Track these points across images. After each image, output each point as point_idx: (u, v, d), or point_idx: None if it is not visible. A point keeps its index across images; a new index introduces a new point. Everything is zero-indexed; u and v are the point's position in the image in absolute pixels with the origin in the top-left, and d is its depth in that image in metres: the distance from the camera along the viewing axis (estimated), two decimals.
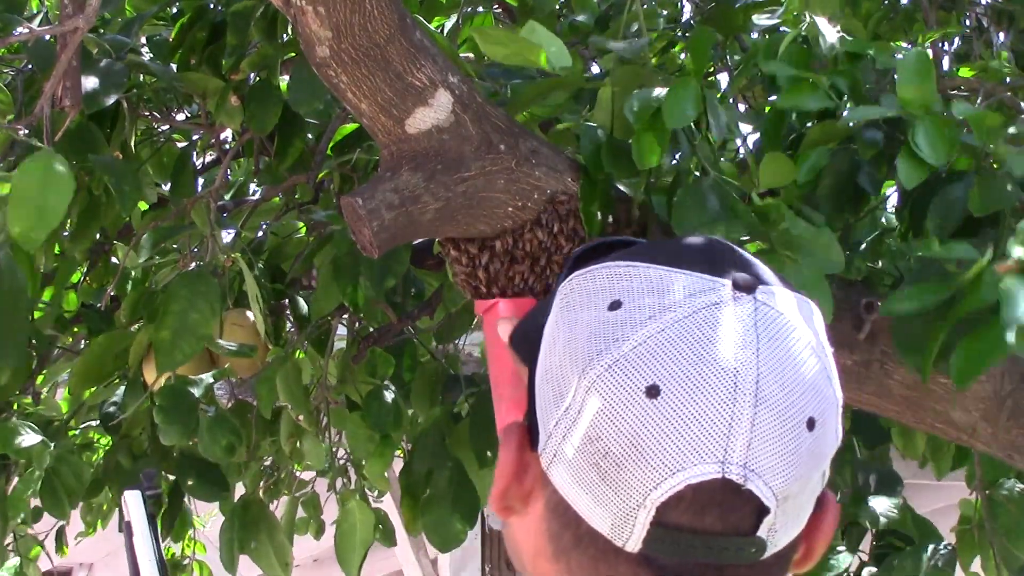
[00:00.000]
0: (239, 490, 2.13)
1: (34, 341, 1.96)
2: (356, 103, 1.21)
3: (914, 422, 1.35)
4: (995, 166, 1.23)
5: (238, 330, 1.80)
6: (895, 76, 1.28)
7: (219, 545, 1.97)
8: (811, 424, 0.57)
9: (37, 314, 1.95)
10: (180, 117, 2.18)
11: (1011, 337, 1.03)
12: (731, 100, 1.49)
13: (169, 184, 2.03)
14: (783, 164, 1.25)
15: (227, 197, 2.29)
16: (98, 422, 2.06)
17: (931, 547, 1.63)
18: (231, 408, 2.04)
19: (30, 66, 1.89)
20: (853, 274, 1.39)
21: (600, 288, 0.61)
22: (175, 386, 1.70)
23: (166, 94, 2.03)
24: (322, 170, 1.95)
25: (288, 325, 2.08)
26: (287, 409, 1.94)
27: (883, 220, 1.58)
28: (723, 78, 2.11)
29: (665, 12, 2.05)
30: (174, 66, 1.91)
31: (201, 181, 2.21)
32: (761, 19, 1.45)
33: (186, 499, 2.23)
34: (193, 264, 1.75)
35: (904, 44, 1.98)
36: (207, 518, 2.95)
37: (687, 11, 2.24)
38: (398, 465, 2.07)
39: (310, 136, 1.98)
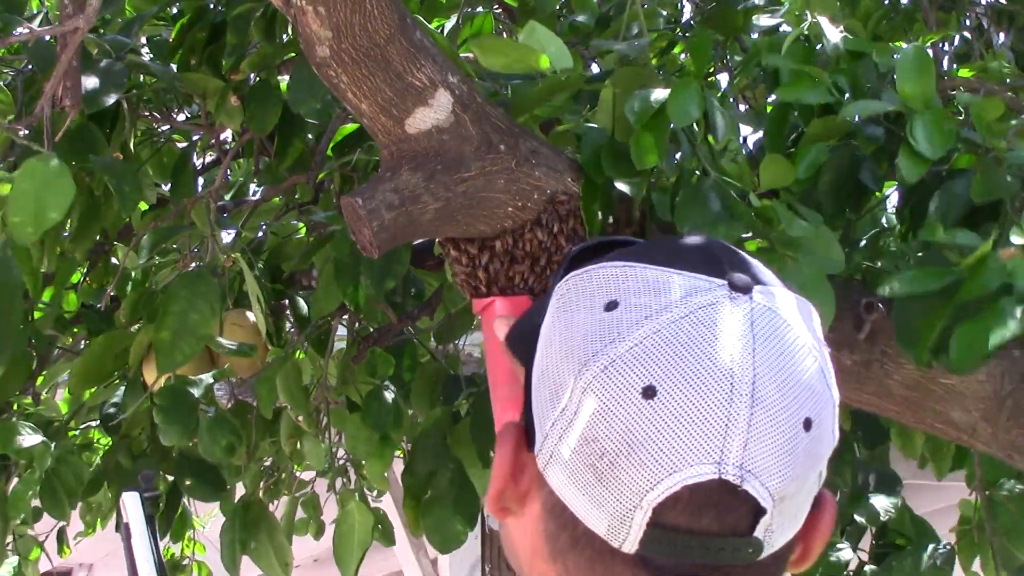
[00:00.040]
0: (240, 490, 2.13)
1: (34, 341, 1.96)
2: (356, 103, 1.21)
3: (914, 422, 1.35)
4: (997, 162, 1.23)
5: (238, 330, 1.80)
6: (895, 77, 1.28)
7: (220, 546, 1.97)
8: (808, 424, 0.57)
9: (37, 314, 1.95)
10: (180, 117, 2.18)
11: (1014, 319, 1.02)
12: (731, 100, 1.49)
13: (169, 184, 2.03)
14: (783, 165, 1.25)
15: (227, 197, 2.29)
16: (98, 422, 2.06)
17: (930, 547, 1.63)
18: (231, 408, 2.04)
19: (30, 66, 1.89)
20: (852, 270, 1.39)
21: (596, 288, 0.61)
22: (175, 386, 1.70)
23: (166, 94, 2.03)
24: (322, 170, 1.95)
25: (288, 325, 2.08)
26: (287, 409, 1.94)
27: (883, 221, 1.58)
28: (723, 78, 2.11)
29: (665, 12, 2.05)
30: (174, 66, 1.91)
31: (201, 181, 2.21)
32: (763, 19, 1.45)
33: (185, 499, 2.23)
34: (193, 264, 1.75)
35: (904, 45, 1.98)
36: (207, 518, 2.95)
37: (687, 11, 2.24)
38: (397, 465, 2.07)
39: (310, 136, 1.98)
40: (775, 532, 0.57)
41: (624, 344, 0.57)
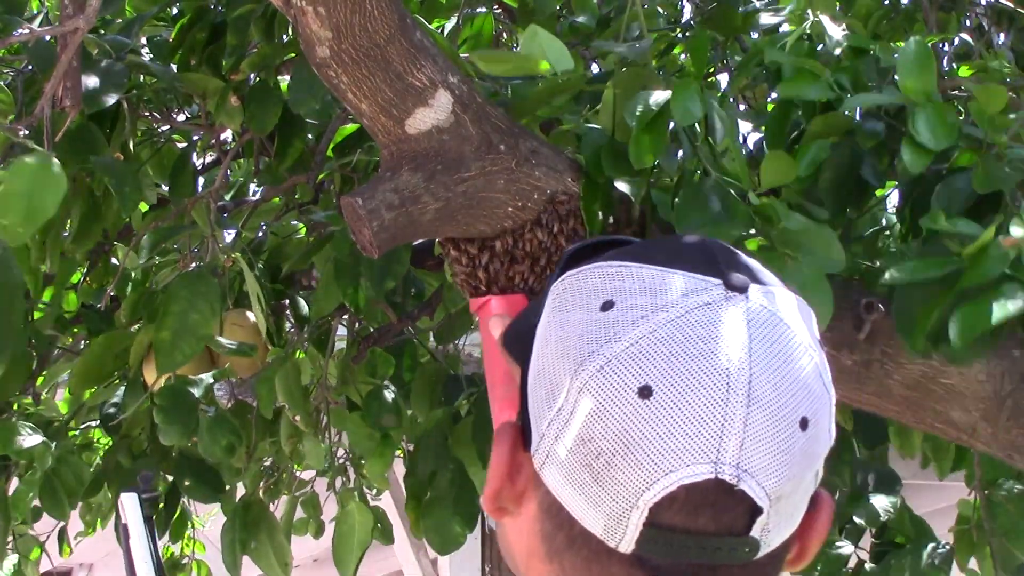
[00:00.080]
0: (240, 490, 2.13)
1: (34, 341, 1.96)
2: (356, 103, 1.21)
3: (914, 422, 1.35)
4: (999, 158, 1.23)
5: (238, 330, 1.80)
6: (895, 77, 1.28)
7: (221, 546, 1.97)
8: (804, 424, 0.57)
9: (37, 314, 1.95)
10: (180, 117, 2.18)
11: (1015, 301, 1.02)
12: (731, 100, 1.49)
13: (169, 184, 2.03)
14: (784, 162, 1.25)
15: (227, 197, 2.29)
16: (98, 422, 2.06)
17: (930, 546, 1.63)
18: (231, 408, 2.04)
19: (30, 66, 1.89)
20: (852, 269, 1.38)
21: (593, 288, 0.61)
22: (175, 386, 1.70)
23: (166, 94, 2.03)
24: (322, 171, 1.95)
25: (288, 325, 2.09)
26: (287, 409, 1.94)
27: (883, 221, 1.58)
28: (723, 78, 2.11)
29: (664, 12, 2.05)
30: (174, 66, 1.91)
31: (201, 181, 2.21)
32: (765, 16, 1.45)
33: (185, 499, 2.23)
34: (193, 264, 1.75)
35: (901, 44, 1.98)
36: (207, 517, 2.95)
37: (687, 11, 2.24)
38: (397, 465, 2.07)
39: (310, 136, 1.98)
40: (772, 532, 0.57)
41: (620, 344, 0.57)
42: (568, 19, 1.90)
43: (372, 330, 2.01)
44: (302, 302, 2.01)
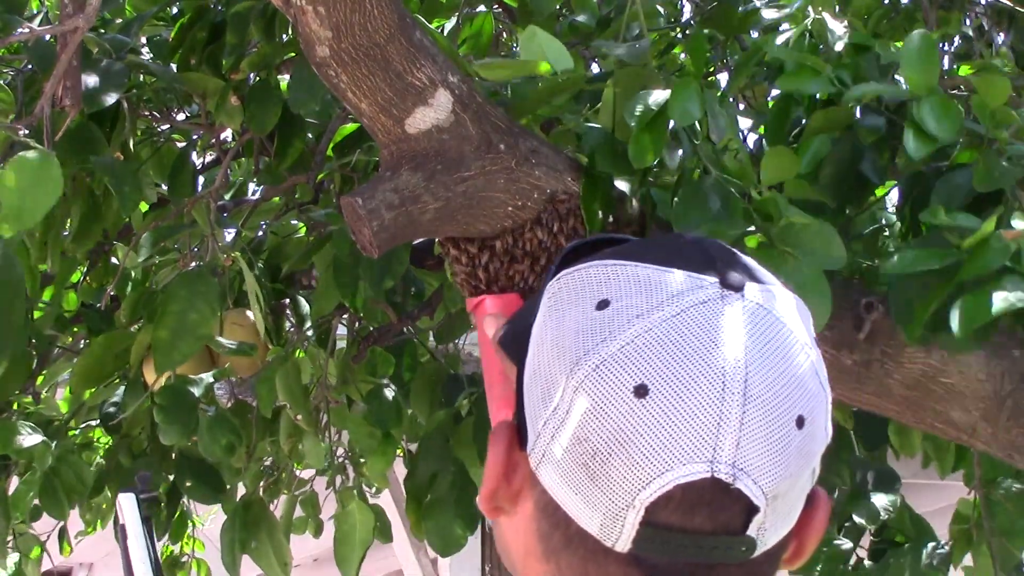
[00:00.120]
0: (240, 490, 2.13)
1: (34, 341, 1.96)
2: (356, 103, 1.21)
3: (914, 422, 1.35)
4: (1000, 154, 1.23)
5: (238, 330, 1.80)
6: (896, 76, 1.28)
7: (220, 546, 1.97)
8: (800, 422, 0.57)
9: (37, 314, 1.95)
10: (180, 117, 2.18)
11: (1017, 291, 1.02)
12: (731, 100, 1.49)
13: (169, 184, 2.03)
14: (786, 158, 1.24)
15: (227, 197, 2.29)
16: (98, 422, 2.06)
17: (930, 546, 1.63)
18: (231, 408, 2.04)
19: (30, 66, 1.89)
20: (852, 269, 1.38)
21: (588, 287, 0.61)
22: (175, 386, 1.70)
23: (166, 94, 2.03)
24: (322, 170, 1.95)
25: (288, 325, 2.09)
26: (287, 408, 1.94)
27: (882, 220, 1.58)
28: (723, 78, 2.11)
29: (664, 12, 2.05)
30: (174, 66, 1.91)
31: (201, 181, 2.21)
32: (767, 13, 1.45)
33: (184, 499, 2.23)
34: (193, 264, 1.75)
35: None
36: (207, 516, 2.95)
37: (687, 11, 2.24)
38: (396, 464, 2.07)
39: (310, 136, 1.98)
40: (768, 530, 0.57)
41: (616, 343, 0.57)
42: (568, 18, 1.90)
43: (372, 330, 2.01)
44: (302, 301, 2.01)
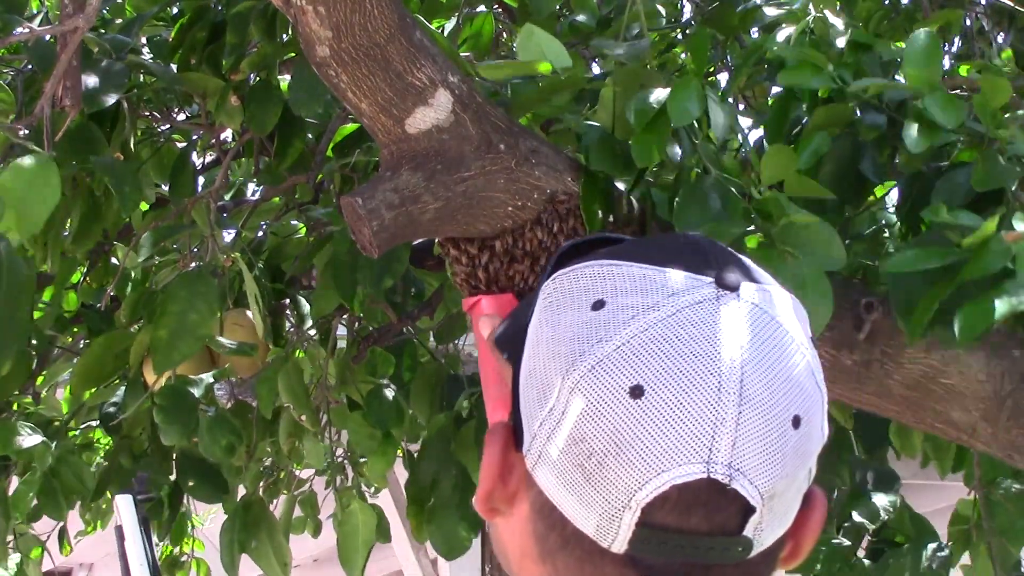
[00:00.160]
0: (241, 490, 2.13)
1: (34, 341, 1.96)
2: (356, 103, 1.21)
3: (914, 422, 1.35)
4: (1000, 154, 1.22)
5: (238, 330, 1.80)
6: (896, 76, 1.28)
7: (220, 547, 1.97)
8: (796, 422, 0.57)
9: (37, 314, 1.95)
10: (180, 117, 2.18)
11: (1019, 297, 1.02)
12: (730, 99, 1.49)
13: (169, 184, 2.03)
14: (786, 156, 1.24)
15: (227, 197, 2.29)
16: (98, 422, 2.06)
17: (931, 546, 1.63)
18: (231, 408, 2.04)
19: (30, 66, 1.89)
20: (852, 269, 1.38)
21: (583, 287, 0.61)
22: (175, 386, 1.70)
23: (166, 94, 2.03)
24: (322, 171, 1.95)
25: (288, 325, 2.09)
26: (287, 409, 1.94)
27: (883, 221, 1.58)
28: (723, 78, 2.11)
29: (665, 12, 2.05)
30: (174, 66, 1.91)
31: (201, 181, 2.21)
32: (768, 10, 1.45)
33: (185, 499, 2.23)
34: (193, 264, 1.75)
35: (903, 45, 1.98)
36: (206, 516, 2.95)
37: (687, 11, 2.24)
38: (396, 464, 2.07)
39: (310, 136, 1.98)
40: (765, 530, 0.57)
41: (611, 344, 0.57)
42: (568, 18, 1.90)
43: (372, 330, 2.01)
44: (302, 301, 2.01)
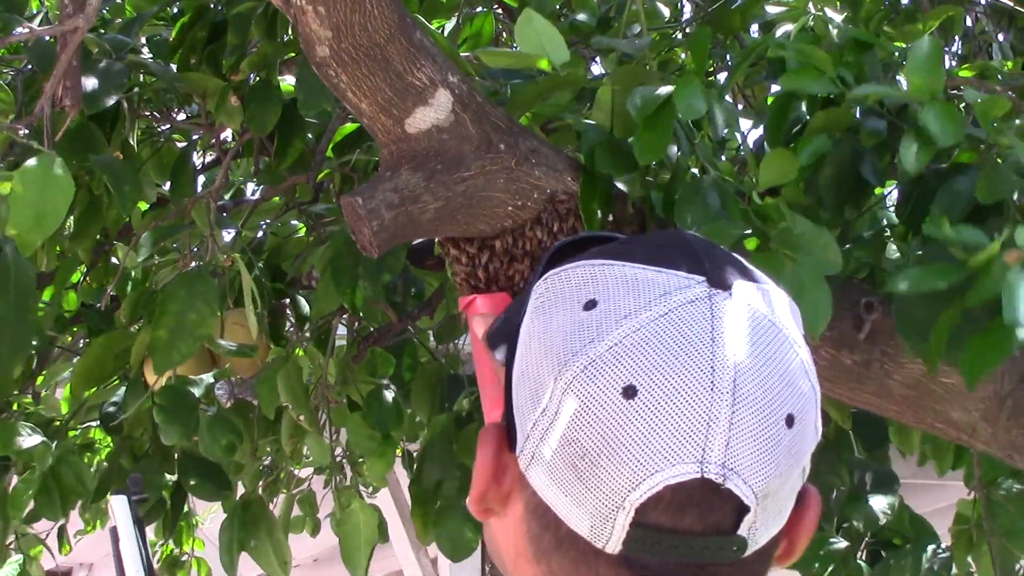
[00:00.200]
0: (240, 489, 2.13)
1: (34, 341, 1.96)
2: (356, 103, 1.21)
3: (914, 422, 1.35)
4: (999, 159, 1.22)
5: (239, 330, 1.80)
6: (898, 77, 1.27)
7: (219, 545, 1.97)
8: (790, 421, 0.57)
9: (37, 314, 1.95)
10: (180, 117, 2.18)
11: (1021, 334, 1.02)
12: (729, 99, 1.49)
13: (169, 184, 2.03)
14: (785, 160, 1.24)
15: (227, 197, 2.29)
16: (98, 422, 2.06)
17: (931, 548, 1.63)
18: (233, 408, 2.04)
19: (30, 66, 1.89)
20: (852, 265, 1.38)
21: (575, 287, 0.60)
22: (175, 386, 1.70)
23: (166, 94, 2.03)
24: (322, 170, 1.95)
25: (288, 325, 2.09)
26: (288, 409, 1.94)
27: (883, 221, 1.58)
28: (723, 78, 2.10)
29: (667, 12, 2.05)
30: (174, 66, 1.91)
31: (201, 181, 2.21)
32: (769, 9, 1.44)
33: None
34: (193, 264, 1.75)
35: (905, 45, 1.98)
36: (207, 515, 2.95)
37: (687, 11, 2.24)
38: (394, 464, 2.07)
39: (310, 136, 1.98)
40: (759, 529, 0.57)
41: (603, 344, 0.57)
42: (569, 18, 1.90)
43: (372, 330, 2.01)
44: (302, 301, 2.01)
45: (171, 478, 2.05)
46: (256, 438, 2.03)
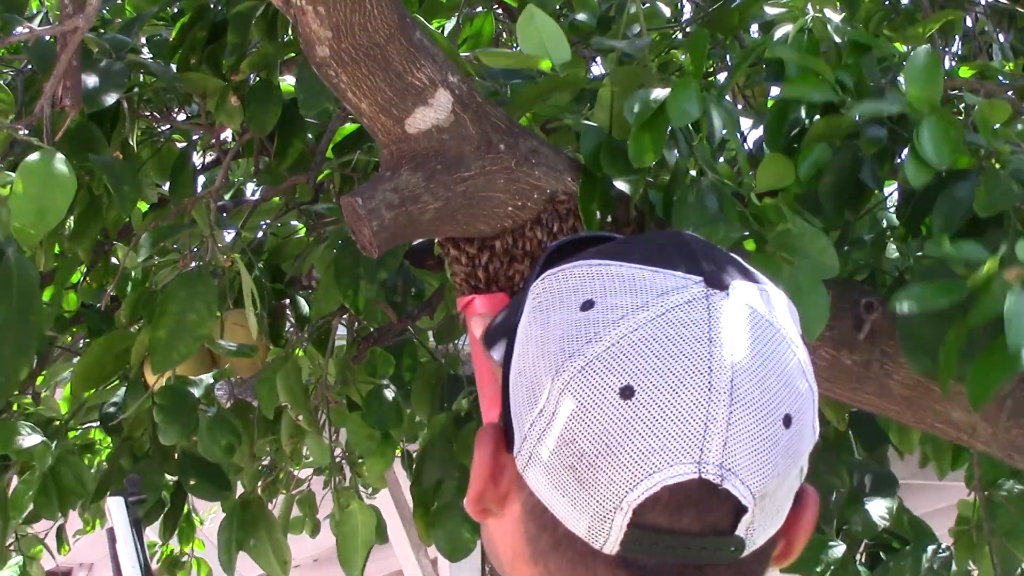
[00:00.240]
0: (240, 489, 2.13)
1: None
2: (356, 103, 1.21)
3: (914, 422, 1.35)
4: (998, 165, 1.22)
5: (239, 330, 1.80)
6: (898, 78, 1.27)
7: (217, 545, 1.97)
8: (787, 421, 0.56)
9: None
10: (180, 117, 2.18)
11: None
12: (728, 98, 1.49)
13: (169, 184, 2.03)
14: (782, 165, 1.24)
15: (227, 197, 2.29)
16: (98, 423, 2.06)
17: (930, 549, 1.63)
18: (231, 408, 2.04)
19: (30, 66, 1.89)
20: (851, 267, 1.38)
21: (572, 287, 0.60)
22: (175, 386, 1.70)
23: (166, 94, 2.03)
24: (322, 170, 1.95)
25: (288, 325, 2.09)
26: (287, 409, 1.94)
27: (883, 222, 1.58)
28: (723, 79, 2.10)
29: (668, 12, 2.05)
30: (174, 66, 1.91)
31: (201, 181, 2.21)
32: (769, 9, 1.44)
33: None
34: (193, 264, 1.75)
35: (904, 47, 1.98)
36: (206, 515, 2.95)
37: (687, 11, 2.24)
38: (394, 464, 2.07)
39: (310, 136, 1.98)
40: (757, 530, 0.57)
41: (601, 344, 0.57)
42: (569, 17, 1.90)
43: (372, 330, 2.01)
44: (302, 302, 2.01)
45: (171, 478, 2.05)
46: (256, 438, 2.03)
